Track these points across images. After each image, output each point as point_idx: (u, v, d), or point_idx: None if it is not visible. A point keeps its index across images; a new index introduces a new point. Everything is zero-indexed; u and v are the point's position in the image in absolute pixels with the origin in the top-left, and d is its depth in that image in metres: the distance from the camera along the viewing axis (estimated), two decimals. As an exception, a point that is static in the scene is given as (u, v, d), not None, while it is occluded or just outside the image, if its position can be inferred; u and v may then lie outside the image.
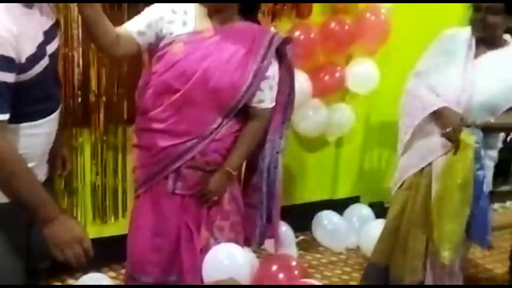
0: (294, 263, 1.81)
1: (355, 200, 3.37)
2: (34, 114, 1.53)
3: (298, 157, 3.14)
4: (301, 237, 3.10)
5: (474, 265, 3.00)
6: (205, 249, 1.96)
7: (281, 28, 2.69)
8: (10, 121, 1.39)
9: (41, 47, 1.48)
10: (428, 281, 2.30)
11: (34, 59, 1.44)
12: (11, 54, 1.34)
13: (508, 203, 3.39)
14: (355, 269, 2.95)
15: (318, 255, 3.05)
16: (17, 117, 1.44)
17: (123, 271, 2.45)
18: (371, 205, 3.31)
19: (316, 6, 2.82)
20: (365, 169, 3.40)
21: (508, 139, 2.37)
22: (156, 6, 1.88)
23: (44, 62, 1.49)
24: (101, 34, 1.70)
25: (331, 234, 3.11)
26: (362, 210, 3.24)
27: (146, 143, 1.96)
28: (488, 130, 2.13)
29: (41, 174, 1.59)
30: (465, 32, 2.24)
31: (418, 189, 2.27)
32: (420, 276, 2.30)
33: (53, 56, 1.58)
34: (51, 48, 1.55)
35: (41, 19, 1.49)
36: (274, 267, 1.77)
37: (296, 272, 1.75)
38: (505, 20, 2.12)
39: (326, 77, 2.91)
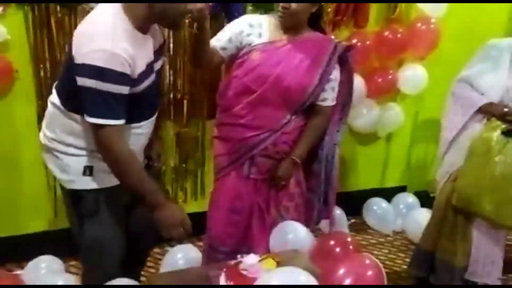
0: (349, 239, 1.95)
1: (402, 189, 3.48)
2: (140, 117, 1.71)
3: (352, 150, 3.26)
4: (352, 220, 3.22)
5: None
6: (273, 226, 2.09)
7: (340, 36, 2.83)
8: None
9: (151, 65, 1.66)
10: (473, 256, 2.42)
11: (144, 75, 1.62)
12: (127, 71, 1.51)
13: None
14: (400, 249, 3.06)
15: (368, 237, 3.16)
16: (127, 120, 1.60)
17: (200, 243, 2.61)
18: (416, 194, 3.40)
19: (371, 17, 2.94)
20: (412, 162, 3.49)
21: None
22: (235, 22, 2.09)
23: (152, 77, 1.68)
24: (207, 51, 1.93)
25: (380, 219, 3.22)
26: (408, 198, 3.34)
27: (227, 135, 2.15)
28: None
29: None
30: (508, 41, 2.37)
31: None
32: (467, 259, 2.42)
33: (159, 72, 1.77)
34: (157, 65, 1.74)
35: (153, 41, 1.67)
36: (332, 242, 1.94)
37: (350, 247, 1.90)
38: None
39: (380, 80, 3.04)
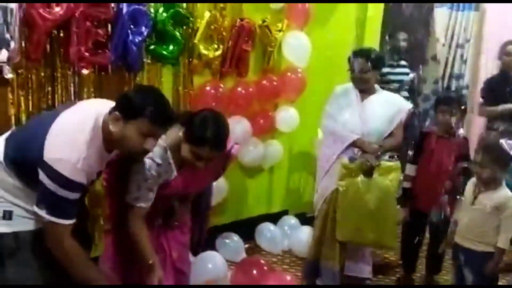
0: (262, 261, 2.14)
1: (285, 212, 3.70)
2: None
3: (242, 182, 3.42)
4: (247, 245, 3.33)
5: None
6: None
7: (226, 85, 3.05)
8: None
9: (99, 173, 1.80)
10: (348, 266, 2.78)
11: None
12: (85, 182, 1.63)
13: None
14: (291, 266, 3.25)
15: (263, 258, 3.11)
16: None
17: None
18: (296, 216, 3.64)
19: (250, 67, 3.18)
20: (290, 188, 3.76)
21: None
22: None
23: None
24: None
25: (270, 241, 3.39)
26: (291, 220, 3.58)
27: None
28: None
29: None
30: (350, 86, 2.81)
31: (335, 202, 2.70)
32: (342, 263, 2.75)
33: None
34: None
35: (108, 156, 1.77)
36: (249, 266, 2.10)
37: (265, 268, 2.09)
38: (373, 74, 2.74)
39: (261, 121, 3.28)
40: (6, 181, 1.67)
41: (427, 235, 3.11)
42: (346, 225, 2.65)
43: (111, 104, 1.74)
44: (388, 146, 2.73)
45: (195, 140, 1.79)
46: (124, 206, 1.90)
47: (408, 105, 2.87)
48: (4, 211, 1.68)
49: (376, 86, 2.84)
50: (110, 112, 1.66)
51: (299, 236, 3.41)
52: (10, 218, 1.69)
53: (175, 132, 1.87)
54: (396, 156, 2.85)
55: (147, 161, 1.84)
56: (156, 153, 1.85)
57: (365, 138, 2.69)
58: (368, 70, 2.71)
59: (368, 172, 2.61)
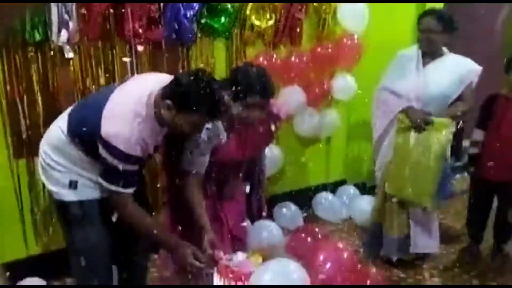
0: (317, 230, 2.07)
1: (343, 182, 3.61)
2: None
3: (299, 152, 3.35)
4: (305, 214, 3.30)
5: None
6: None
7: (281, 55, 2.96)
8: None
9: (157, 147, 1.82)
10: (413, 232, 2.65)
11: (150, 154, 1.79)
12: (141, 155, 1.67)
13: (458, 176, 3.79)
14: (350, 234, 3.19)
15: (321, 227, 3.11)
16: None
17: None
18: (356, 185, 3.55)
19: (304, 36, 3.09)
20: (348, 158, 3.65)
21: (458, 126, 2.65)
22: None
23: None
24: None
25: (328, 210, 3.34)
26: (349, 190, 3.49)
27: None
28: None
29: None
30: (412, 50, 2.62)
31: None
32: (406, 232, 2.65)
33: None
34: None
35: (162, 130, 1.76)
36: (303, 235, 2.04)
37: (319, 237, 2.02)
38: (442, 37, 2.51)
39: (317, 90, 3.16)
40: (71, 153, 1.74)
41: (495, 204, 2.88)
42: (394, 179, 2.59)
43: (164, 79, 1.73)
44: (454, 111, 2.52)
45: (244, 91, 1.77)
46: (179, 177, 1.90)
47: (479, 67, 2.59)
48: (70, 181, 1.77)
49: (445, 49, 2.60)
50: (163, 96, 1.65)
51: (359, 206, 3.32)
52: (75, 188, 1.76)
53: None
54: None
55: None
56: None
57: (427, 105, 2.51)
58: (437, 31, 2.48)
59: (420, 127, 2.48)
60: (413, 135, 2.51)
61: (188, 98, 1.60)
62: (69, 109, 1.83)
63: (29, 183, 2.41)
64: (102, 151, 1.63)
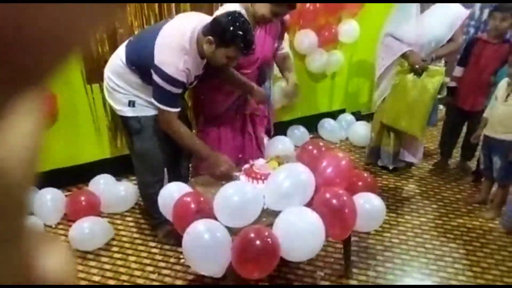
0: (321, 143, 2.05)
1: (343, 111, 3.54)
2: None
3: (309, 85, 3.27)
4: (311, 135, 3.30)
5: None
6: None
7: None
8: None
9: (198, 76, 1.77)
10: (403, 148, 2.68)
11: (192, 82, 1.75)
12: (186, 81, 1.64)
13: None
14: (345, 151, 3.12)
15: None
16: None
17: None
18: (353, 114, 3.50)
19: None
20: (348, 91, 3.55)
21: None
22: None
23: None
24: None
25: (330, 132, 3.31)
26: (347, 117, 3.43)
27: None
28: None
29: None
30: None
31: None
32: (397, 149, 2.67)
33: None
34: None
35: (202, 62, 1.73)
36: (310, 146, 2.03)
37: (323, 148, 2.00)
38: None
39: (326, 33, 3.01)
40: (129, 79, 1.73)
41: (464, 129, 2.81)
42: (390, 112, 2.54)
43: (205, 18, 1.67)
44: (443, 52, 2.41)
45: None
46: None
47: (466, 11, 2.42)
48: (129, 101, 1.77)
49: None
50: (204, 33, 1.59)
51: (355, 129, 3.29)
52: (134, 106, 1.78)
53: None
54: (444, 62, 2.52)
55: None
56: None
57: (424, 48, 2.39)
58: None
59: (418, 72, 2.38)
60: (410, 77, 2.42)
61: (226, 34, 1.55)
62: (125, 42, 1.79)
63: (103, 102, 2.41)
64: (154, 76, 1.61)
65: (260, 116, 2.13)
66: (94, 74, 2.30)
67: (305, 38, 2.93)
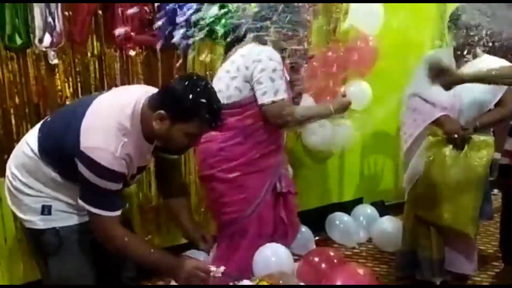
0: (332, 254, 2.03)
1: (359, 201, 3.57)
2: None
3: (309, 168, 3.34)
4: (316, 237, 3.23)
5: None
6: None
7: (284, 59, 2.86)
8: None
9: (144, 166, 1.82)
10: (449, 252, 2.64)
11: (136, 174, 1.78)
12: (126, 172, 1.65)
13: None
14: (368, 260, 3.13)
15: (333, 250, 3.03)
16: None
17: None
18: (373, 204, 3.51)
19: (313, 40, 3.01)
20: (365, 174, 3.62)
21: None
22: None
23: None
24: None
25: (343, 232, 3.28)
26: (366, 209, 3.44)
27: None
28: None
29: None
30: (442, 51, 2.58)
31: None
32: (441, 253, 2.63)
33: None
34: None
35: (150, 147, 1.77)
36: (316, 259, 2.00)
37: (335, 261, 1.98)
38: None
39: (328, 98, 3.07)
40: (43, 174, 1.71)
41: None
42: (426, 200, 2.56)
43: (150, 89, 1.72)
44: (489, 119, 2.50)
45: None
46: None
47: None
48: (43, 206, 1.73)
49: (478, 50, 2.54)
50: (153, 106, 1.62)
51: (380, 227, 3.28)
52: (49, 213, 1.73)
53: None
54: (492, 132, 2.62)
55: None
56: None
57: (464, 114, 2.49)
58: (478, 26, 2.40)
59: (458, 144, 2.46)
60: (449, 151, 2.49)
61: (185, 107, 1.57)
62: (39, 124, 1.80)
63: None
64: (81, 168, 1.58)
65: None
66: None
67: (301, 103, 3.00)
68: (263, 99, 2.06)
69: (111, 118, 1.61)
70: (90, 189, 1.61)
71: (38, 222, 1.72)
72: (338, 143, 3.31)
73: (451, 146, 2.48)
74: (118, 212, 1.67)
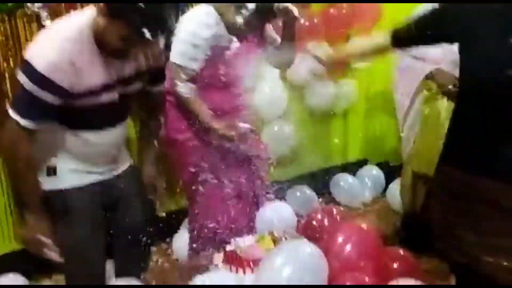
0: (335, 211, 2.06)
1: (364, 162, 3.59)
2: (93, 127, 1.75)
3: (312, 129, 3.32)
4: (321, 199, 3.26)
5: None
6: None
7: None
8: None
9: (111, 86, 1.71)
10: None
11: (95, 93, 1.67)
12: (65, 85, 1.55)
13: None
14: (373, 220, 3.08)
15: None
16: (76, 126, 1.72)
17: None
18: (378, 165, 3.52)
19: None
20: (369, 135, 3.61)
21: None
22: None
23: (111, 96, 1.72)
24: None
25: (348, 193, 3.32)
26: (372, 170, 3.47)
27: None
28: None
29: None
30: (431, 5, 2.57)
31: None
32: None
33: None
34: (128, 88, 1.78)
35: (122, 66, 1.70)
36: (319, 216, 2.02)
37: (338, 218, 2.01)
38: None
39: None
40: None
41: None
42: (422, 155, 2.54)
43: None
44: None
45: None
46: None
47: None
48: (48, 168, 1.75)
49: None
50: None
51: (383, 188, 3.33)
52: (55, 174, 1.75)
53: None
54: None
55: None
56: None
57: (457, 66, 2.45)
58: None
59: (452, 94, 2.41)
60: (444, 104, 2.48)
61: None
62: None
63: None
64: (20, 76, 1.56)
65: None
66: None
67: (302, 64, 3.00)
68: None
69: (58, 26, 1.63)
70: (21, 96, 1.58)
71: (45, 183, 1.73)
72: (341, 103, 3.32)
73: (445, 99, 2.47)
74: (33, 124, 1.57)
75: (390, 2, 3.12)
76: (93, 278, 1.86)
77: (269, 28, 2.30)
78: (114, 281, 1.92)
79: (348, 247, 1.68)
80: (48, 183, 1.74)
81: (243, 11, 2.03)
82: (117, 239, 1.93)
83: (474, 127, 1.47)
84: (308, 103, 3.22)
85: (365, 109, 3.58)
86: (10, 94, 2.32)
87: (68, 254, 1.77)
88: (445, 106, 2.47)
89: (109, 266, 1.96)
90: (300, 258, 1.56)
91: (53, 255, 1.67)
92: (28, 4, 2.21)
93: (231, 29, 2.09)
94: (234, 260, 1.73)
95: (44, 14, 2.28)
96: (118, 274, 2.00)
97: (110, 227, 1.90)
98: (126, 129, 1.90)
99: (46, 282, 2.52)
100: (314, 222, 1.96)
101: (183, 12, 2.13)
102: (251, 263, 1.69)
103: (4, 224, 2.51)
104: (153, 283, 1.75)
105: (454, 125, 1.57)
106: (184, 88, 2.07)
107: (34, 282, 2.47)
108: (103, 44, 1.60)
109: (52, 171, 1.74)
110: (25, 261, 2.40)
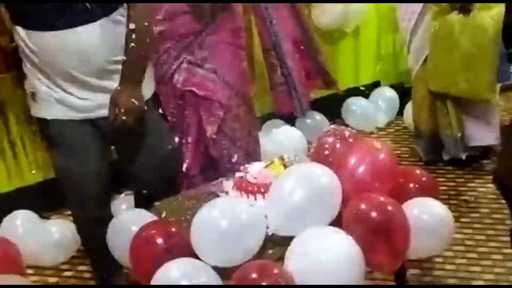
0: (347, 133, 2.01)
1: (377, 84, 3.56)
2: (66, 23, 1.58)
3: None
4: (332, 125, 3.22)
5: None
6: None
7: None
8: None
9: None
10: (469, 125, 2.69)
11: None
12: None
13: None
14: (393, 141, 3.21)
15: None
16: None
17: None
18: (392, 87, 3.50)
19: None
20: (382, 55, 3.55)
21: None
22: None
23: None
24: None
25: (361, 117, 3.32)
26: (385, 92, 3.44)
27: None
28: None
29: None
30: None
31: None
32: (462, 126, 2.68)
33: None
34: None
35: None
36: (330, 139, 1.98)
37: (351, 140, 1.96)
38: None
39: None
40: (23, 47, 1.65)
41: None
42: (439, 73, 2.56)
43: None
44: None
45: None
46: None
47: None
48: (31, 92, 1.71)
49: None
50: None
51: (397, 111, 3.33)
52: (35, 100, 1.71)
53: None
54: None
55: None
56: None
57: None
58: None
59: (465, 7, 2.40)
60: (456, 17, 2.44)
61: None
62: None
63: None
64: None
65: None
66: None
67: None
68: None
69: None
70: None
71: (33, 108, 1.73)
72: (352, 21, 3.24)
73: (456, 11, 2.43)
74: None
75: (390, 2, 3.07)
76: (87, 208, 1.86)
77: None
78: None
79: (361, 168, 1.65)
80: (34, 109, 1.73)
81: None
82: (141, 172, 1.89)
83: None
84: (317, 21, 3.13)
85: (377, 27, 3.48)
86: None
87: (65, 183, 1.82)
88: (457, 19, 2.44)
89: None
90: (311, 180, 1.54)
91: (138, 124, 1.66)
92: None
93: None
94: (244, 186, 1.71)
95: None
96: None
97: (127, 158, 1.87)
98: (117, 34, 1.64)
99: (57, 218, 2.56)
100: (326, 145, 1.90)
101: None
102: (261, 189, 1.67)
103: (11, 162, 2.53)
104: (164, 213, 1.73)
105: None
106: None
107: (44, 219, 2.51)
108: None
109: (32, 97, 1.70)
110: (36, 197, 2.54)
